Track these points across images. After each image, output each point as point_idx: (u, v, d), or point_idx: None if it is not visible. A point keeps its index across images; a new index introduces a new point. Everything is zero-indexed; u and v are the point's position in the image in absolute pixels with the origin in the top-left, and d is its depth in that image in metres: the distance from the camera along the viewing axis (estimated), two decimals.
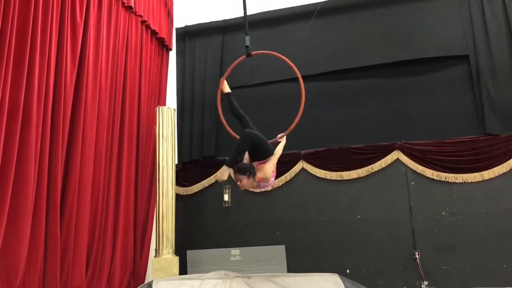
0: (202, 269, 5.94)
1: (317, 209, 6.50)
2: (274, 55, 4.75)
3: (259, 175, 3.91)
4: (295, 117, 4.47)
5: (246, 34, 4.60)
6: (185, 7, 7.90)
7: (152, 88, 7.05)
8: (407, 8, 6.76)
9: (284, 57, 4.66)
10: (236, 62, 4.75)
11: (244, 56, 4.66)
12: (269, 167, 3.96)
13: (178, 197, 6.65)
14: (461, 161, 6.08)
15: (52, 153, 4.79)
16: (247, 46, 4.57)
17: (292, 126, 4.48)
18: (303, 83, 4.53)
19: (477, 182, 5.99)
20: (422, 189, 6.18)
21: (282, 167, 6.74)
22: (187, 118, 7.33)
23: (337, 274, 4.15)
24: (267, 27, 7.23)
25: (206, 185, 7.02)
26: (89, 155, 5.33)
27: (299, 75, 4.57)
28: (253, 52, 4.62)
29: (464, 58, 6.37)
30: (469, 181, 6.02)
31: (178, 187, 6.85)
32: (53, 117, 4.85)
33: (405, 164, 6.30)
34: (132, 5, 6.39)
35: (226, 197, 6.86)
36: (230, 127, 4.68)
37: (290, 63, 4.62)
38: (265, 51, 4.84)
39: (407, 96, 6.53)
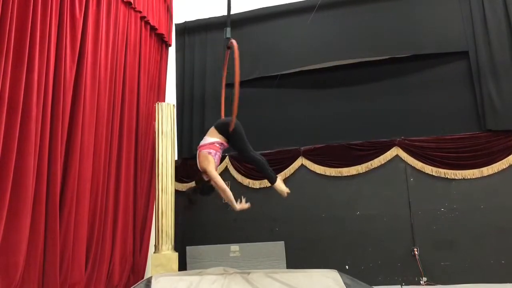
0: (202, 265, 5.96)
1: (317, 205, 6.51)
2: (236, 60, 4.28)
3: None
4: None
5: (227, 26, 4.41)
6: (184, 3, 7.87)
7: (152, 84, 7.04)
8: (406, 3, 6.73)
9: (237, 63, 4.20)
10: (226, 59, 4.58)
11: (228, 51, 4.44)
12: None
13: (177, 193, 6.63)
14: (460, 158, 6.08)
15: (52, 148, 4.78)
16: (227, 38, 4.35)
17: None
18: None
19: (477, 178, 5.99)
20: (421, 186, 6.19)
21: (282, 163, 6.77)
22: (187, 114, 7.33)
23: (336, 270, 4.15)
24: (266, 23, 7.22)
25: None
26: (89, 150, 5.32)
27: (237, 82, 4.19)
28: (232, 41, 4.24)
29: (464, 54, 6.36)
30: (469, 177, 6.02)
31: (177, 183, 6.84)
32: (53, 112, 4.84)
33: (404, 160, 6.31)
34: (131, 0, 6.36)
35: None
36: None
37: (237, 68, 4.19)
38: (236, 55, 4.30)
39: (407, 92, 6.53)
